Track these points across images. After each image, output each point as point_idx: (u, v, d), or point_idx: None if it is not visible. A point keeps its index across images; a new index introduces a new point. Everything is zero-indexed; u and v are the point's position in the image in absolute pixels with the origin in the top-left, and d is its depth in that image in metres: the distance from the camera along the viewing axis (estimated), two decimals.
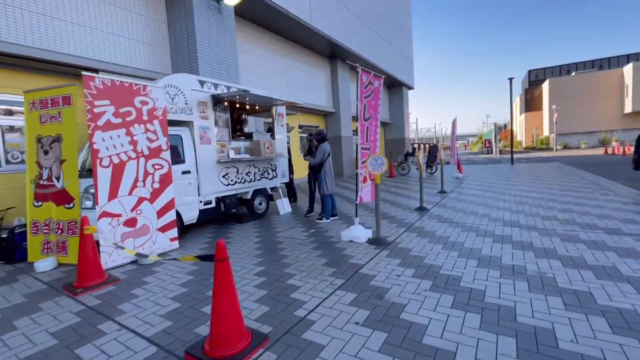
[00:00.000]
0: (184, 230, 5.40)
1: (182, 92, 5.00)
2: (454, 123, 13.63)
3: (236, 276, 3.44)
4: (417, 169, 6.61)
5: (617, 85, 37.39)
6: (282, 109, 7.14)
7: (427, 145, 18.19)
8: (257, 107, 6.82)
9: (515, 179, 10.73)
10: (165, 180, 4.44)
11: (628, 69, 35.91)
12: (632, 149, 19.36)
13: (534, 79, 54.11)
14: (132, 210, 4.08)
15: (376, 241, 4.34)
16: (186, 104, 5.07)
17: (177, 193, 4.85)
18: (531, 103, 48.13)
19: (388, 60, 17.87)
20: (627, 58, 46.79)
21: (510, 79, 17.56)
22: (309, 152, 6.49)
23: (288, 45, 12.18)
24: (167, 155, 4.46)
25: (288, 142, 8.06)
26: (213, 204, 5.53)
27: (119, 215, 3.95)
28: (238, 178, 6.02)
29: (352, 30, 14.15)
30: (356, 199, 4.75)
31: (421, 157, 6.72)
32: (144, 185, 4.20)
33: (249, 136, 6.65)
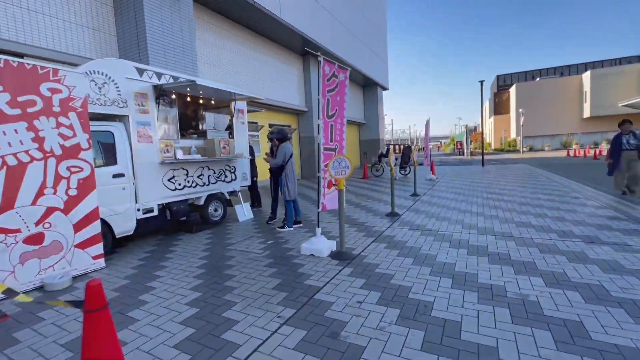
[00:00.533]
0: (118, 243, 4.61)
1: (113, 80, 4.21)
2: (427, 124, 13.48)
3: (162, 307, 2.76)
4: (390, 171, 6.16)
5: (577, 92, 39.58)
6: (242, 105, 6.46)
7: (401, 147, 18.05)
8: (212, 102, 6.10)
9: (487, 181, 10.64)
10: (86, 186, 3.66)
11: (586, 77, 38.09)
12: (591, 151, 20.40)
13: (502, 84, 56.39)
14: (37, 224, 3.28)
15: (339, 255, 3.80)
16: (119, 94, 4.29)
17: (106, 200, 4.07)
18: (499, 106, 50.06)
19: (362, 59, 17.54)
20: (585, 66, 49.83)
21: (481, 82, 17.79)
22: (271, 152, 5.87)
23: (258, 39, 11.47)
24: (88, 155, 3.68)
25: (251, 142, 7.40)
26: (155, 212, 4.77)
27: (17, 231, 3.14)
28: (188, 182, 5.29)
29: (325, 26, 13.65)
30: (318, 207, 4.18)
31: (392, 158, 6.29)
32: (55, 192, 3.41)
33: (203, 134, 5.92)
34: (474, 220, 5.26)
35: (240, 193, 6.39)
